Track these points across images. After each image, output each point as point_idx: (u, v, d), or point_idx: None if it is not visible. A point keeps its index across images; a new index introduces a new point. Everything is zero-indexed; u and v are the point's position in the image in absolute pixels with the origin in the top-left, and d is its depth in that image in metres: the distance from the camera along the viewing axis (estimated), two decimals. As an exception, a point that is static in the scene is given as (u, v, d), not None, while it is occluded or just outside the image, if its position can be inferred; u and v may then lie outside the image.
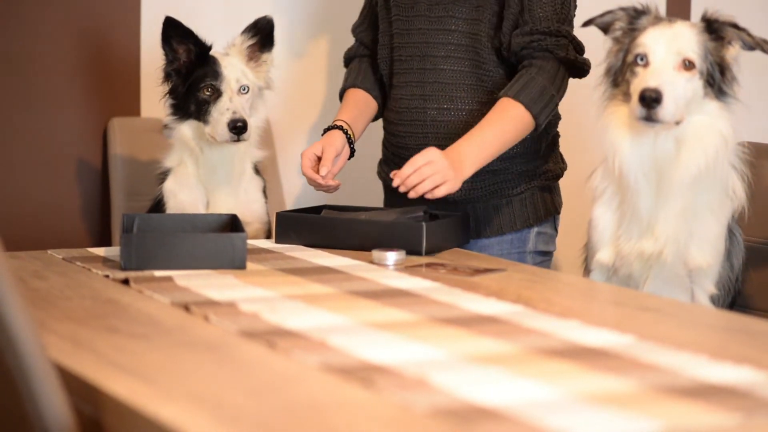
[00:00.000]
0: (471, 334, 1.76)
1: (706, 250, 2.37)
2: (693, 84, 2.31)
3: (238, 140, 2.78)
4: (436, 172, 2.55)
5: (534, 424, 1.33)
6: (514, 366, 1.57)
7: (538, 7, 2.70)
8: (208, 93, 2.81)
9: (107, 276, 2.22)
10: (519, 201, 2.83)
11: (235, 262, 2.29)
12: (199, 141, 2.85)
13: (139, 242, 2.27)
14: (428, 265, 2.37)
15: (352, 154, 2.82)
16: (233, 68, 2.84)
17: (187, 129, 2.86)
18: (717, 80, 2.33)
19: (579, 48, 2.73)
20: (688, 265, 2.37)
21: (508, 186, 2.81)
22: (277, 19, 2.95)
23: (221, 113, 2.78)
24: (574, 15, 2.77)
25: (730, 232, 2.42)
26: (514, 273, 2.33)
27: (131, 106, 3.62)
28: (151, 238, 2.29)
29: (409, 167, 2.56)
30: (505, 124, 2.65)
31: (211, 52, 2.86)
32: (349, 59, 3.06)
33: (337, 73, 3.39)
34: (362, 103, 2.93)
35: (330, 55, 3.14)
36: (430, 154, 2.56)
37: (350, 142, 2.80)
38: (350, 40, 3.09)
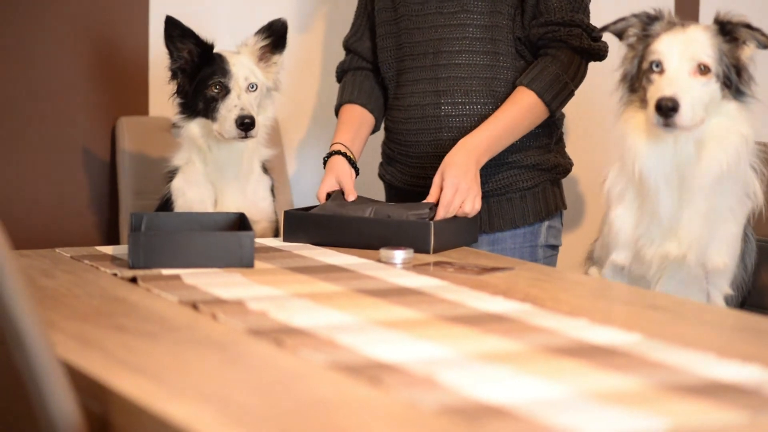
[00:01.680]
0: (478, 332, 1.76)
1: (724, 251, 2.37)
2: (709, 88, 2.30)
3: (246, 137, 2.78)
4: (464, 196, 2.60)
5: (541, 423, 1.33)
6: (521, 364, 1.56)
7: None
8: (216, 90, 2.82)
9: (115, 274, 2.22)
10: (532, 195, 2.85)
11: (243, 260, 2.29)
12: (207, 139, 2.86)
13: (148, 241, 2.27)
14: (436, 263, 2.37)
15: (356, 174, 2.83)
16: (242, 66, 2.84)
17: (195, 127, 2.86)
18: (734, 81, 2.32)
19: (593, 35, 2.76)
20: (706, 267, 2.37)
21: (522, 179, 2.83)
22: (287, 18, 2.95)
23: (229, 110, 2.79)
24: (589, 2, 2.81)
25: (744, 233, 2.42)
26: (522, 271, 2.33)
27: (139, 104, 3.62)
28: (159, 236, 2.29)
29: (442, 210, 2.59)
30: (518, 112, 2.72)
31: (221, 51, 2.87)
32: (342, 73, 3.05)
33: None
34: (358, 120, 2.92)
35: (339, 54, 3.13)
36: (450, 179, 2.60)
37: (353, 164, 2.81)
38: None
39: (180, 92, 2.87)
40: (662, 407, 1.39)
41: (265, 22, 2.93)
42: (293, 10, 3.73)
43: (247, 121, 2.76)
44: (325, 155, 2.83)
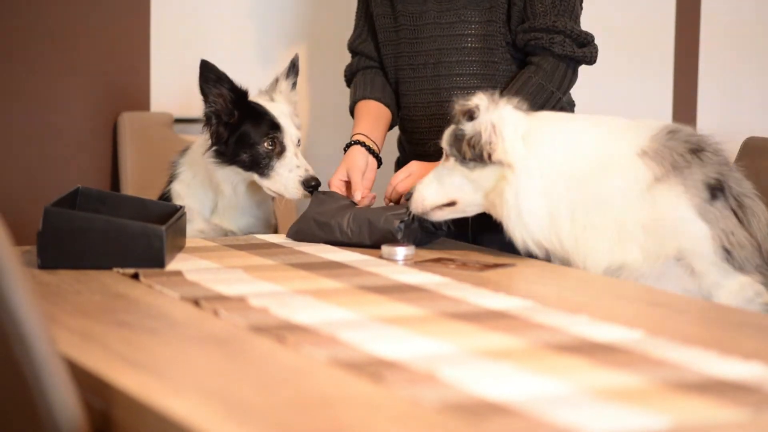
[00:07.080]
0: (480, 329, 1.76)
1: None
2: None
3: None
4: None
5: (543, 419, 1.33)
6: (523, 361, 1.57)
7: (539, 2, 2.69)
8: (270, 147, 2.73)
9: (117, 270, 2.22)
10: None
11: (155, 260, 2.22)
12: (230, 183, 2.77)
13: (54, 241, 2.22)
14: (438, 260, 2.37)
15: (379, 164, 2.79)
16: (286, 118, 2.75)
17: (224, 173, 2.76)
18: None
19: (579, 40, 2.70)
20: None
21: None
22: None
23: (290, 170, 2.70)
24: (581, 5, 2.75)
25: (739, 203, 2.32)
26: (524, 268, 2.33)
27: (141, 100, 3.62)
28: (66, 236, 2.23)
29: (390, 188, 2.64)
30: None
31: (256, 98, 2.74)
32: (352, 75, 2.98)
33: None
34: (375, 113, 2.86)
35: (340, 59, 3.12)
36: (410, 167, 2.65)
37: (372, 153, 2.76)
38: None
39: (214, 137, 2.78)
40: (664, 404, 1.39)
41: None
42: (291, 17, 3.72)
43: (313, 183, 2.68)
44: (345, 144, 2.78)
